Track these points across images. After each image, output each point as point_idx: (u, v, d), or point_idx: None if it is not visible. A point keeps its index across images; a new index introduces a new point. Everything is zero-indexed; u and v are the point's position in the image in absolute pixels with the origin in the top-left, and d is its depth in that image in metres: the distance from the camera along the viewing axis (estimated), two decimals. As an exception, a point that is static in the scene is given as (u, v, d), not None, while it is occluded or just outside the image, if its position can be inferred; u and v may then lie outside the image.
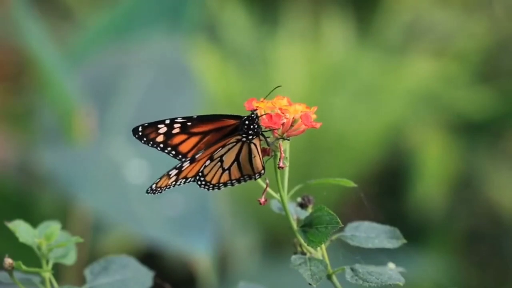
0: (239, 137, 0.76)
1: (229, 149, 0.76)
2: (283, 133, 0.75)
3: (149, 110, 1.75)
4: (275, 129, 0.75)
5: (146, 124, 0.78)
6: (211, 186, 0.77)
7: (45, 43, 1.73)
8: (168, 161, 1.73)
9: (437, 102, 2.23)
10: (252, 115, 0.75)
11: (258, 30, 2.26)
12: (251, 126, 0.75)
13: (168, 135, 0.78)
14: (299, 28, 2.27)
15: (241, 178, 0.77)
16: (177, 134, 0.78)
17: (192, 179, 0.77)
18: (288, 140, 0.75)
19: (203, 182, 0.77)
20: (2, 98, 2.21)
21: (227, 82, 2.08)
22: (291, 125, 0.75)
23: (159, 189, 0.77)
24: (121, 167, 1.64)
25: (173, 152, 0.78)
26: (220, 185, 0.77)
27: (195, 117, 0.77)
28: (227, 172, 0.76)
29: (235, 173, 0.76)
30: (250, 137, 0.75)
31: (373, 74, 2.17)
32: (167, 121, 0.78)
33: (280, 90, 0.78)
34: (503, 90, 2.25)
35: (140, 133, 0.79)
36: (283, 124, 0.74)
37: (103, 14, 1.98)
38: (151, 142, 0.79)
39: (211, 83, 2.03)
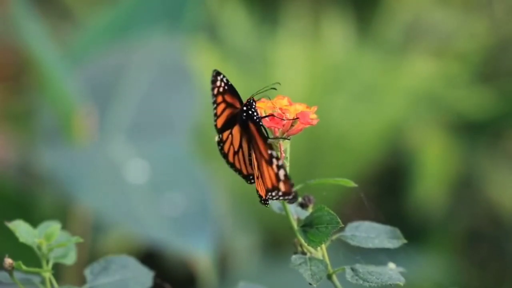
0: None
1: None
2: (283, 133, 0.75)
3: (149, 110, 1.75)
4: (276, 129, 0.75)
5: (218, 71, 0.78)
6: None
7: (45, 43, 1.73)
8: (167, 161, 1.73)
9: (437, 102, 2.23)
10: (249, 100, 0.75)
11: (258, 30, 2.26)
12: (249, 112, 0.75)
13: (220, 90, 0.78)
14: (299, 28, 2.27)
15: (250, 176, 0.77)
16: (222, 93, 0.77)
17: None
18: (289, 139, 0.75)
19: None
20: (2, 98, 2.21)
21: (227, 82, 2.08)
22: (292, 125, 0.75)
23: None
24: (121, 167, 1.64)
25: (215, 110, 0.77)
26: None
27: (228, 85, 0.77)
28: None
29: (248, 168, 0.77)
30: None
31: (373, 74, 2.17)
32: (220, 77, 0.78)
33: (280, 90, 0.78)
34: (503, 90, 2.25)
35: (213, 78, 0.78)
36: (283, 124, 0.74)
37: (103, 14, 1.98)
38: (212, 90, 0.78)
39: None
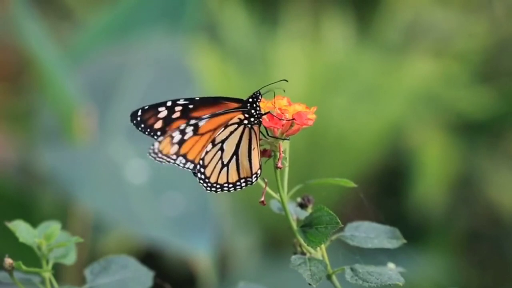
0: (241, 116, 0.75)
1: (230, 133, 0.75)
2: (282, 133, 0.75)
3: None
4: (276, 129, 0.74)
5: (146, 107, 0.75)
6: (209, 183, 0.75)
7: (45, 43, 1.73)
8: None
9: (437, 102, 2.23)
10: (255, 93, 0.75)
11: (258, 30, 2.26)
12: (254, 105, 0.75)
13: (168, 120, 0.75)
14: (299, 28, 2.27)
15: (237, 182, 0.75)
16: (177, 119, 0.76)
17: (192, 167, 0.75)
18: (288, 140, 0.75)
19: (202, 176, 0.75)
20: (2, 98, 2.21)
21: (227, 82, 2.08)
22: (291, 125, 0.75)
23: (160, 154, 0.74)
24: (121, 167, 1.64)
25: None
26: (217, 186, 0.75)
27: (197, 99, 0.76)
28: (225, 170, 0.75)
29: (233, 175, 0.75)
30: (252, 119, 0.75)
31: (373, 74, 2.17)
32: (169, 103, 0.75)
33: (280, 90, 0.78)
34: (503, 90, 2.25)
35: (138, 118, 0.76)
36: (283, 124, 0.74)
37: (103, 14, 1.98)
38: (149, 130, 0.76)
39: (211, 83, 2.03)
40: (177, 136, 0.74)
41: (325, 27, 2.26)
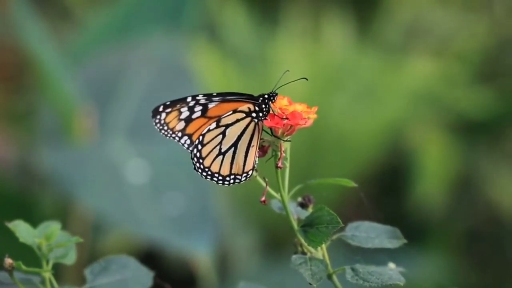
0: (251, 106, 0.75)
1: (237, 120, 0.75)
2: (283, 133, 0.75)
3: (149, 109, 1.75)
4: (277, 128, 0.74)
5: (168, 110, 0.76)
6: (201, 165, 0.75)
7: (45, 43, 1.73)
8: (168, 161, 1.73)
9: (437, 102, 2.23)
10: (272, 92, 0.75)
11: (258, 30, 2.26)
12: (266, 101, 0.75)
13: (188, 120, 0.76)
14: (299, 28, 2.27)
15: (227, 177, 0.75)
16: (197, 118, 0.76)
17: (191, 147, 0.75)
18: (290, 140, 0.75)
19: (198, 154, 0.75)
20: (2, 98, 2.21)
21: (227, 82, 2.08)
22: (291, 125, 0.75)
23: (166, 127, 0.75)
24: (121, 167, 1.64)
25: (189, 141, 0.76)
26: (209, 172, 0.75)
27: (216, 97, 0.76)
28: (220, 158, 0.75)
29: (226, 167, 0.75)
30: (261, 114, 0.75)
31: (373, 74, 2.17)
32: (189, 99, 0.76)
33: (281, 90, 0.78)
34: (503, 90, 2.25)
35: (162, 121, 0.76)
36: (283, 124, 0.74)
37: (103, 14, 1.98)
38: (171, 132, 0.76)
39: (211, 83, 2.03)
40: (185, 112, 0.74)
41: (325, 27, 2.26)
